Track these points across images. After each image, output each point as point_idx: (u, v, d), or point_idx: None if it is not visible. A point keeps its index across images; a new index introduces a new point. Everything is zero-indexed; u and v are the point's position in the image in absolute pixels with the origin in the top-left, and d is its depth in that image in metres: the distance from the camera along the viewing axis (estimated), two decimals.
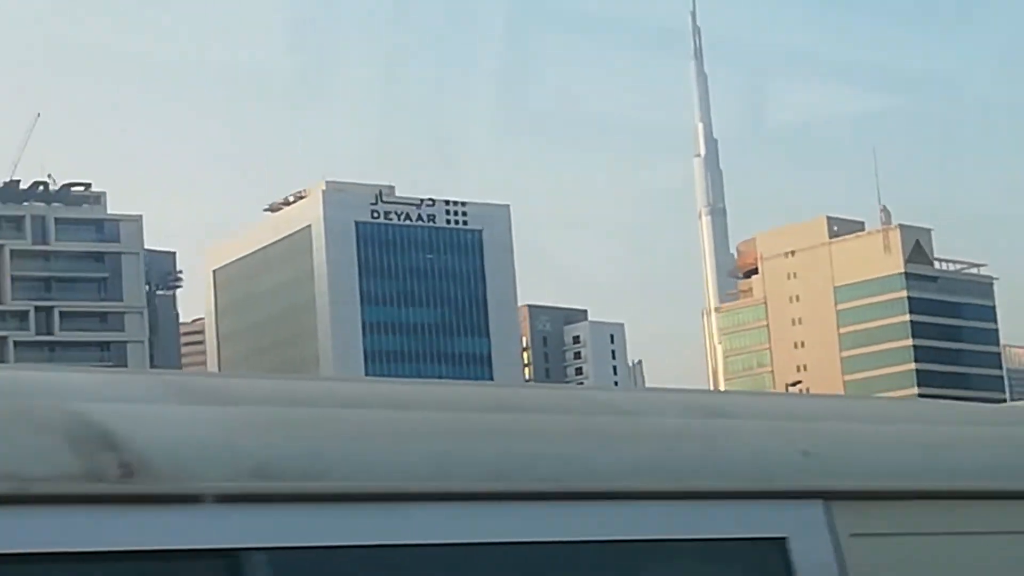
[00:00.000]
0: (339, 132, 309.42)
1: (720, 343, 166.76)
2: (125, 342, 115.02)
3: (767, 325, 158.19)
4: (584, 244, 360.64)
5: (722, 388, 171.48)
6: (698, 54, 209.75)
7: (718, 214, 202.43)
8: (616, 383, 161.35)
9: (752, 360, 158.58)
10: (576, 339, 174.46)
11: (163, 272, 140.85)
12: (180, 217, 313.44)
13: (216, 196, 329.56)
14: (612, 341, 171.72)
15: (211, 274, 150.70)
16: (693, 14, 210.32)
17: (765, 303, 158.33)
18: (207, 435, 1.97)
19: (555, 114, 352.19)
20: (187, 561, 1.81)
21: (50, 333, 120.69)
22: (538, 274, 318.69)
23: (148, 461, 1.77)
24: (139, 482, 1.73)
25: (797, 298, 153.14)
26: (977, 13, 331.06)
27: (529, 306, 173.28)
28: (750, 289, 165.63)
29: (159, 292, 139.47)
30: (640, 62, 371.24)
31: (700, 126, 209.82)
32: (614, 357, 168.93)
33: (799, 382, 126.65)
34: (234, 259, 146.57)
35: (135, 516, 1.74)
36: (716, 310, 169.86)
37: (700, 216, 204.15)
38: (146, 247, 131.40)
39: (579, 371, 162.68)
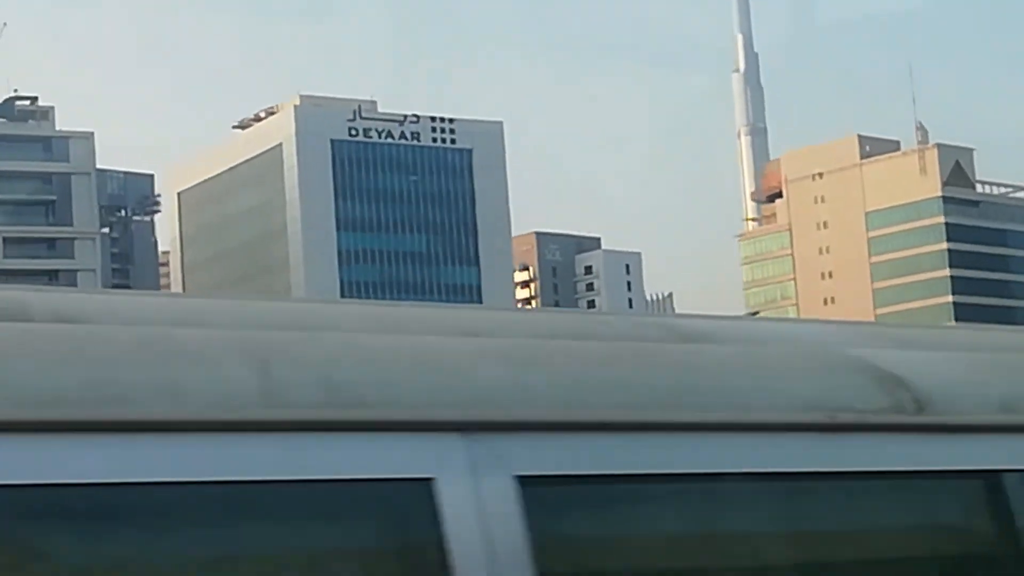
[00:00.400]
0: (317, 44, 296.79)
1: (743, 273, 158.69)
2: (75, 271, 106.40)
3: (791, 254, 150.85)
4: (607, 166, 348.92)
5: None
6: None
7: (758, 134, 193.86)
8: None
9: (776, 292, 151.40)
10: (588, 269, 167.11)
11: (140, 196, 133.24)
12: (149, 137, 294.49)
13: (185, 114, 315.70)
14: (628, 271, 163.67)
15: (175, 197, 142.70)
16: None
17: (790, 229, 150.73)
18: (964, 376, 2.61)
19: (572, 23, 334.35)
20: (969, 481, 2.48)
21: None
22: (558, 200, 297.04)
23: (931, 397, 2.38)
24: (929, 415, 2.33)
25: (825, 224, 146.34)
26: None
27: (537, 233, 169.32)
28: (774, 215, 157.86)
29: (135, 217, 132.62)
30: None
31: (739, 37, 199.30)
32: (630, 288, 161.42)
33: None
34: (200, 180, 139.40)
35: (925, 444, 2.35)
36: (739, 236, 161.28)
37: (739, 136, 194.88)
38: (126, 169, 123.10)
39: (591, 303, 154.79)
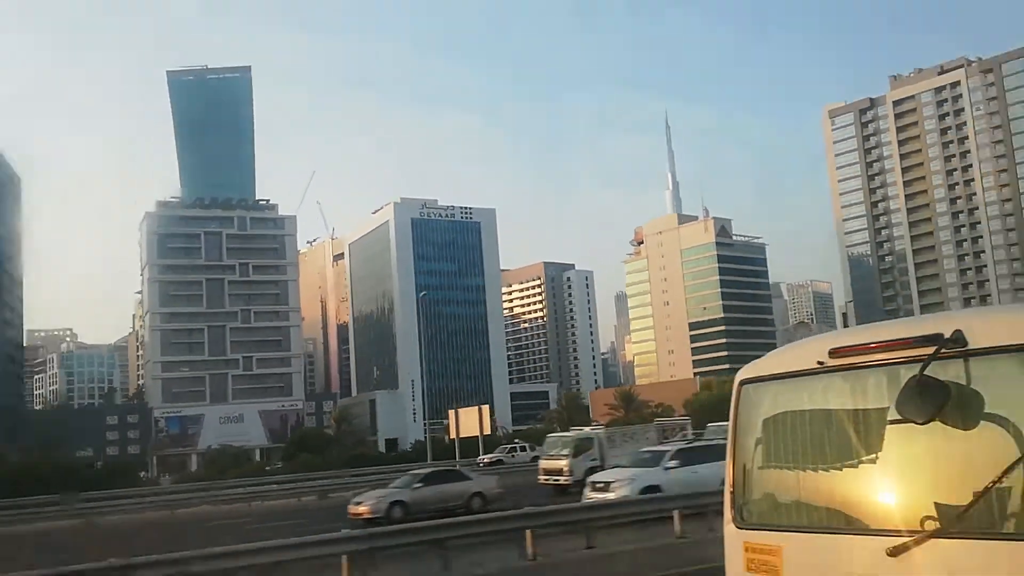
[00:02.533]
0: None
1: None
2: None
3: (648, 270, 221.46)
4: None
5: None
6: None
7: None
8: None
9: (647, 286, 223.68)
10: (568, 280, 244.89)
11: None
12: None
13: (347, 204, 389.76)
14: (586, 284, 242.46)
15: (347, 247, 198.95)
16: None
17: (647, 258, 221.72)
18: None
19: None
20: None
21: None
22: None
23: None
24: None
25: (663, 256, 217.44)
26: None
27: (545, 263, 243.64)
28: (640, 252, 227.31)
29: None
30: None
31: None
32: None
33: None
34: (361, 235, 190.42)
35: None
36: (624, 262, 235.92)
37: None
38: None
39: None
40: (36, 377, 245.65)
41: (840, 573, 3.86)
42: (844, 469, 4.00)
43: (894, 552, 3.54)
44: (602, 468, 31.80)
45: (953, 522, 3.43)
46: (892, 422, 3.73)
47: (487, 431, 56.01)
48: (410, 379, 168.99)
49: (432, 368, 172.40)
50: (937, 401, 3.46)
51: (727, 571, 4.58)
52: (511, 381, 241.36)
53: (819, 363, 4.09)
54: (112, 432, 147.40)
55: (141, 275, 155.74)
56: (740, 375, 4.74)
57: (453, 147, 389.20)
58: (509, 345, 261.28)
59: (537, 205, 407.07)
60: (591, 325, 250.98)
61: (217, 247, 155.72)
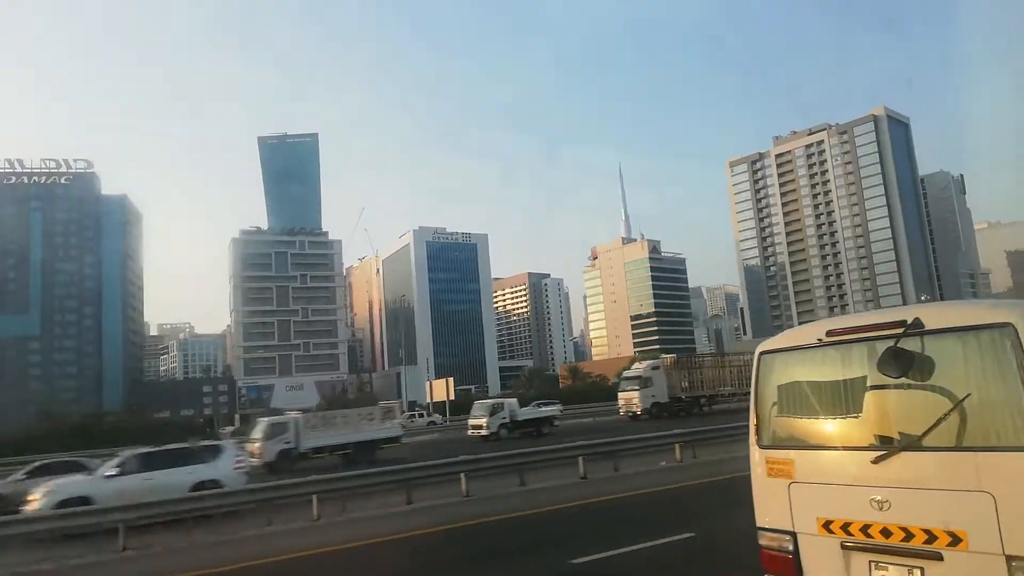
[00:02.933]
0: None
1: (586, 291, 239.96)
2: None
3: (600, 278, 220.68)
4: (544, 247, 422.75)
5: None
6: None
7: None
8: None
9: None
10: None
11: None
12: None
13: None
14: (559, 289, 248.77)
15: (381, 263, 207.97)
16: None
17: (600, 269, 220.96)
18: None
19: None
20: None
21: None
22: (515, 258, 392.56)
23: None
24: None
25: (611, 268, 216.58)
26: None
27: (529, 273, 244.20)
28: (595, 265, 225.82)
29: None
30: None
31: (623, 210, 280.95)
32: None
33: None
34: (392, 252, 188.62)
35: None
36: (584, 272, 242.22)
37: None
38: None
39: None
40: (161, 358, 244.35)
41: (836, 475, 4.27)
42: (837, 411, 4.38)
43: (876, 460, 4.07)
44: (297, 451, 27.82)
45: (915, 442, 3.98)
46: (872, 387, 4.20)
47: (451, 397, 55.46)
48: (425, 357, 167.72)
49: (441, 349, 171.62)
50: (905, 364, 3.99)
51: (753, 478, 4.84)
52: (504, 358, 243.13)
53: (818, 340, 4.50)
54: (207, 398, 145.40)
55: (229, 283, 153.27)
56: (759, 348, 4.98)
57: (464, 185, 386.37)
58: (502, 332, 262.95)
59: (526, 229, 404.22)
60: (563, 318, 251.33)
61: (284, 263, 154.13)
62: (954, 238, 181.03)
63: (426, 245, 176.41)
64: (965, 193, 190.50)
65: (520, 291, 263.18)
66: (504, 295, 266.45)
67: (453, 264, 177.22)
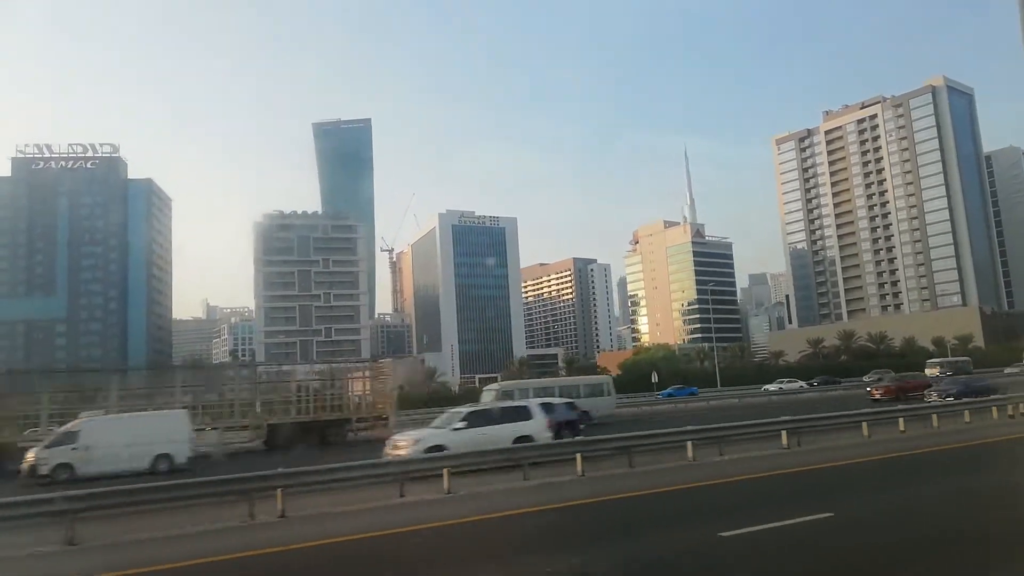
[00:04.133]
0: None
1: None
2: None
3: (641, 263, 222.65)
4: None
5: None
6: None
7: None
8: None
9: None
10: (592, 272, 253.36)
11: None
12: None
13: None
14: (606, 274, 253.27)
15: (410, 248, 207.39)
16: None
17: (641, 254, 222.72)
18: None
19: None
20: None
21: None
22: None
23: None
24: None
25: (652, 253, 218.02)
26: None
27: (574, 258, 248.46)
28: (636, 249, 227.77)
29: None
30: None
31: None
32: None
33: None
34: (420, 237, 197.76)
35: None
36: (624, 257, 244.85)
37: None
38: None
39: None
40: (214, 340, 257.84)
41: None
42: None
43: None
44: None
45: None
46: None
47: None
48: (449, 344, 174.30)
49: (467, 335, 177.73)
50: None
51: None
52: (547, 345, 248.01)
53: None
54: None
55: (254, 268, 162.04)
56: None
57: (511, 171, 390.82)
58: (547, 319, 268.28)
59: (577, 215, 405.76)
60: (609, 305, 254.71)
61: (307, 247, 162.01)
62: None
63: (452, 229, 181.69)
64: None
65: (566, 277, 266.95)
66: (549, 281, 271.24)
67: (480, 248, 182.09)
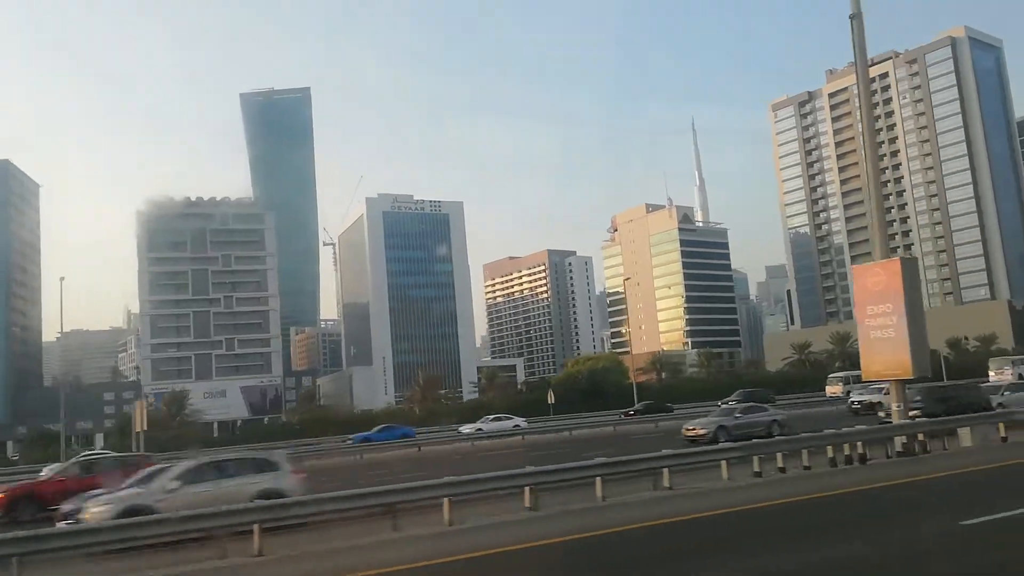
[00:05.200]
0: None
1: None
2: None
3: (621, 254, 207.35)
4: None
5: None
6: None
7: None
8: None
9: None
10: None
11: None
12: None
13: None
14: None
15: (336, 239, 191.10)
16: None
17: (620, 243, 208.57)
18: None
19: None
20: None
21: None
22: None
23: None
24: None
25: (633, 241, 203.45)
26: None
27: (548, 250, 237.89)
28: (615, 239, 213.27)
29: None
30: None
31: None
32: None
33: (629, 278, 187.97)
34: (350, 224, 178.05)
35: None
36: (602, 248, 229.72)
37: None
38: None
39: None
40: (120, 355, 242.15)
41: None
42: None
43: None
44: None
45: None
46: None
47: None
48: (381, 356, 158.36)
49: (402, 345, 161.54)
50: None
51: None
52: (520, 353, 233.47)
53: None
54: (110, 407, 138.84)
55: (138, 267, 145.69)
56: None
57: (485, 154, 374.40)
58: (518, 322, 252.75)
59: (559, 199, 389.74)
60: (590, 302, 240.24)
61: (202, 241, 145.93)
62: None
63: (383, 217, 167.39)
64: None
65: (539, 272, 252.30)
66: (521, 277, 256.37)
67: (418, 240, 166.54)
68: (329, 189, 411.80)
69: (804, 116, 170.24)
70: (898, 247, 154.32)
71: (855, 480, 16.03)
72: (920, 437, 18.78)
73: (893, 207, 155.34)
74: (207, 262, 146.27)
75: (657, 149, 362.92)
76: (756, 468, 16.54)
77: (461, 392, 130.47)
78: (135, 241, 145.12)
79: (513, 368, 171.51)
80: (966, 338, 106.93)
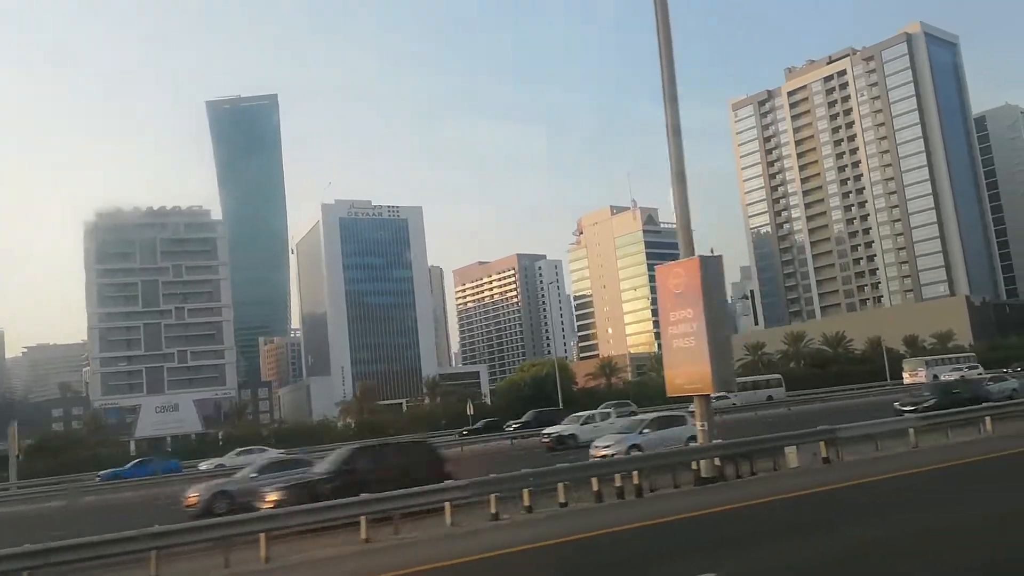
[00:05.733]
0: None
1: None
2: None
3: (587, 257, 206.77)
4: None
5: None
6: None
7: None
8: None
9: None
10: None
11: None
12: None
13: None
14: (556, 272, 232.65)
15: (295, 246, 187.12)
16: None
17: (585, 246, 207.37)
18: None
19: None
20: None
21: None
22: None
23: None
24: None
25: (599, 244, 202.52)
26: None
27: (518, 255, 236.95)
28: (580, 241, 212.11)
29: None
30: None
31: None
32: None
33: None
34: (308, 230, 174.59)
35: None
36: (568, 251, 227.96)
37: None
38: None
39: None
40: (84, 369, 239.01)
41: None
42: None
43: None
44: None
45: None
46: None
47: None
48: (340, 366, 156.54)
49: (361, 355, 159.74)
50: None
51: None
52: (491, 360, 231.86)
53: None
54: (58, 424, 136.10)
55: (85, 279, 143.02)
56: None
57: (457, 157, 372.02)
58: (489, 328, 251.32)
59: (534, 203, 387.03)
60: (561, 307, 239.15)
61: (152, 251, 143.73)
62: None
63: (339, 223, 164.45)
64: None
65: (509, 277, 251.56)
66: (491, 282, 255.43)
67: (377, 245, 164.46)
68: (299, 196, 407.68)
69: (764, 115, 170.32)
70: (859, 245, 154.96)
71: (614, 520, 13.64)
72: (717, 462, 17.14)
73: (853, 205, 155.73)
74: (158, 273, 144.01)
75: (638, 151, 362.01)
76: (493, 509, 14.62)
77: (424, 401, 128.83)
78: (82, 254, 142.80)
79: (477, 375, 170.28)
80: (918, 336, 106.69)
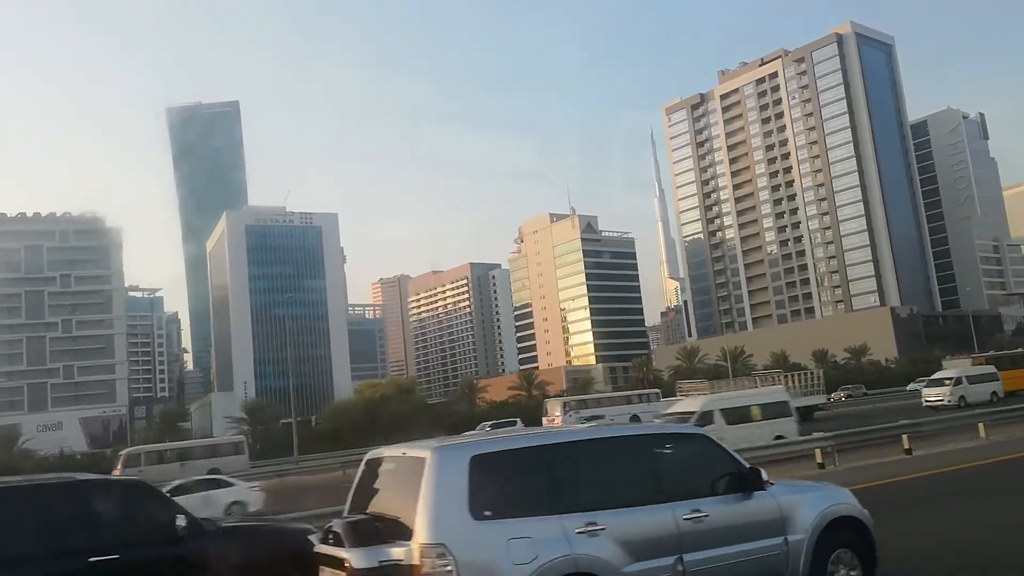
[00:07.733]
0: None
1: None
2: None
3: (526, 263, 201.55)
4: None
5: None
6: None
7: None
8: None
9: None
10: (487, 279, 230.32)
11: None
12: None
13: None
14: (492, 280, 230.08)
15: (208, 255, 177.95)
16: None
17: (525, 256, 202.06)
18: None
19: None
20: None
21: None
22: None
23: None
24: None
25: (538, 253, 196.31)
26: None
27: (471, 263, 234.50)
28: (521, 250, 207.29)
29: None
30: None
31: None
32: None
33: None
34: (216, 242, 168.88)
35: None
36: (509, 259, 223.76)
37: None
38: None
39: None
40: None
41: None
42: None
43: None
44: None
45: None
46: None
47: None
48: (243, 381, 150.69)
49: (267, 369, 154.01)
50: None
51: None
52: (444, 372, 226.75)
53: None
54: None
55: None
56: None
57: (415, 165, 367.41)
58: (442, 339, 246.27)
59: (488, 212, 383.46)
60: (510, 317, 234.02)
61: (38, 260, 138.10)
62: (967, 197, 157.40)
63: (246, 231, 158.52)
64: (988, 138, 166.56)
65: (462, 286, 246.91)
66: (444, 292, 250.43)
67: (287, 254, 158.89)
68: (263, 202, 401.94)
69: (697, 120, 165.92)
70: (790, 254, 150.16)
71: None
72: None
73: (785, 212, 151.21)
74: (43, 283, 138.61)
75: (619, 158, 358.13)
76: None
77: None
78: None
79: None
80: (827, 351, 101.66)
